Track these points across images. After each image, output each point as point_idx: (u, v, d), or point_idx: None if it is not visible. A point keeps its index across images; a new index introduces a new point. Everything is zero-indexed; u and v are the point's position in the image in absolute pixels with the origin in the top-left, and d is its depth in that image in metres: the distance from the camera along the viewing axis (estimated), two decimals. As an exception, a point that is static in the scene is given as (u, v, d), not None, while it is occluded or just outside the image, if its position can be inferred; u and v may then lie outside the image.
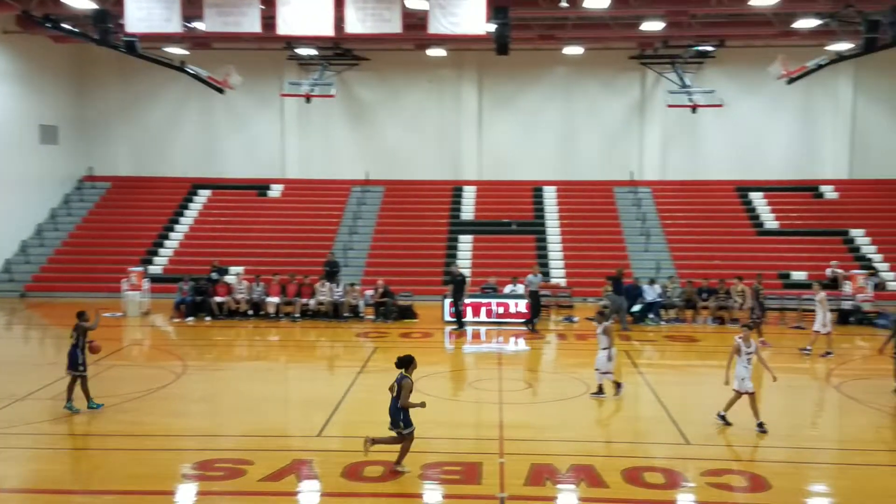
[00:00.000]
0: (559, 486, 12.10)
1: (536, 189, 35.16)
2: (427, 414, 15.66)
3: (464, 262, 31.09)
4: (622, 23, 29.11)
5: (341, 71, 35.07)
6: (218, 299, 26.42)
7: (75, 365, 15.52)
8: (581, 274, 29.99)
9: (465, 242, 32.44)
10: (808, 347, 20.93)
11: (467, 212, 34.36)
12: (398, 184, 35.76)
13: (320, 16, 22.17)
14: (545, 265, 30.75)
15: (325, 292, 26.38)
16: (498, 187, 35.50)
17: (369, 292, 26.63)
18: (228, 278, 27.90)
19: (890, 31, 23.72)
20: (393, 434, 12.64)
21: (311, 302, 26.36)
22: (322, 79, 33.26)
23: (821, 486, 12.50)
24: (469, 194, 35.16)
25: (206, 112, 36.53)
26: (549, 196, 34.81)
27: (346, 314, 26.12)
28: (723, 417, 14.74)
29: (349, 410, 16.02)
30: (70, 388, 15.52)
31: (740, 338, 14.76)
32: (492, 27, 23.50)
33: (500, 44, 24.16)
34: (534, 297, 24.66)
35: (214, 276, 27.43)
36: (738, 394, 14.62)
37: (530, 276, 25.02)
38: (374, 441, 12.64)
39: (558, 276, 30.08)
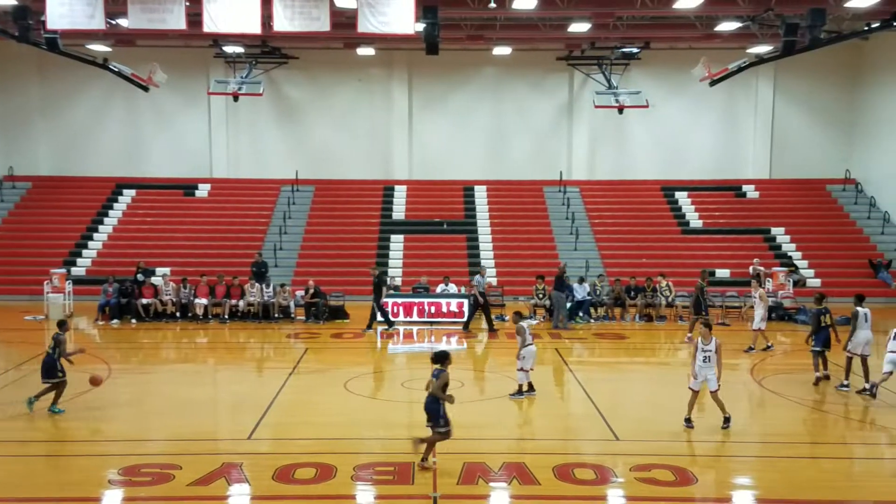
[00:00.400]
0: (491, 484, 12.16)
1: (467, 189, 35.30)
2: (359, 415, 15.67)
3: (395, 262, 31.08)
4: (550, 24, 29.41)
5: (269, 69, 34.70)
6: (144, 301, 25.90)
7: (53, 373, 15.42)
8: (512, 273, 30.23)
9: (397, 242, 32.41)
10: (752, 347, 21.32)
11: (398, 211, 34.32)
12: (328, 183, 35.54)
13: (247, 13, 21.89)
14: (476, 264, 30.88)
15: (255, 293, 26.07)
16: (429, 187, 35.55)
17: (300, 293, 26.40)
18: (155, 280, 27.39)
19: (808, 34, 24.44)
20: (437, 436, 12.60)
21: (241, 303, 26.02)
22: (250, 77, 32.85)
23: (745, 479, 12.80)
24: (400, 194, 35.13)
25: (131, 110, 35.77)
26: (480, 195, 34.99)
27: (276, 315, 25.85)
28: (687, 420, 14.73)
29: (280, 412, 15.84)
30: (45, 391, 15.41)
31: (700, 336, 14.90)
32: (421, 27, 23.52)
33: (430, 44, 24.19)
34: (482, 298, 24.67)
35: (140, 277, 26.88)
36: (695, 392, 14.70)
37: (478, 277, 25.09)
38: (422, 440, 12.72)
39: (489, 275, 30.22)
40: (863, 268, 30.40)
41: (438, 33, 24.25)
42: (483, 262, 31.02)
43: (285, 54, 34.33)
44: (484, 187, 35.35)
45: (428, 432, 12.71)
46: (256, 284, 26.28)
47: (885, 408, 16.05)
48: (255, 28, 22.17)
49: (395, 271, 30.04)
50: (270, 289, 26.32)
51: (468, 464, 12.70)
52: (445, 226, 33.32)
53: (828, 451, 14.00)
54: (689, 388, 14.75)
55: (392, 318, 24.73)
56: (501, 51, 33.95)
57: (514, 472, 12.47)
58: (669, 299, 25.98)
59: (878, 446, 13.96)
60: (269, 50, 33.27)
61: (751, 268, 29.23)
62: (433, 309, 25.50)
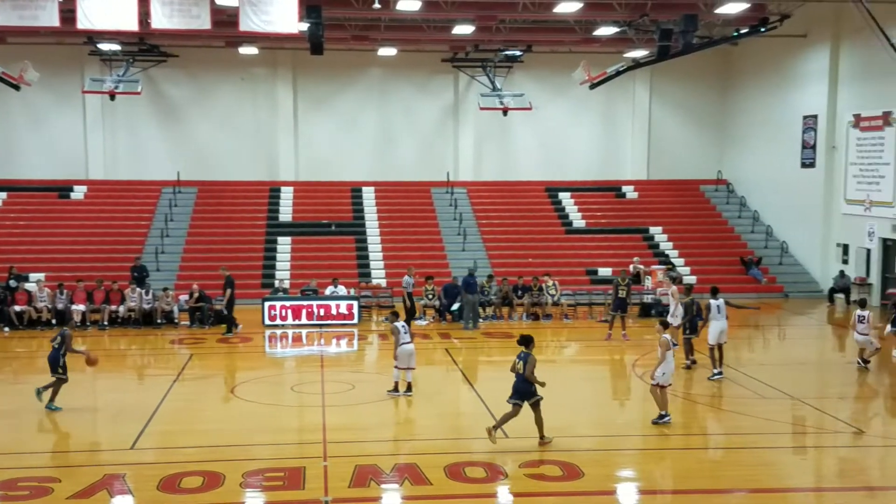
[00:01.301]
0: (383, 485, 12.19)
1: (355, 190, 35.17)
2: (248, 421, 15.43)
3: (282, 265, 30.67)
4: (434, 26, 29.63)
5: (148, 67, 33.69)
6: (17, 308, 24.75)
7: (55, 368, 15.95)
8: (401, 274, 30.15)
9: (284, 244, 31.99)
10: (675, 343, 21.85)
11: (285, 213, 33.89)
12: (212, 184, 34.77)
13: (123, 10, 21.24)
14: (365, 266, 30.83)
15: (136, 298, 25.28)
16: (316, 188, 35.25)
17: (184, 297, 25.75)
18: (28, 286, 26.21)
19: (681, 39, 25.42)
20: (508, 411, 13.61)
21: (121, 309, 25.18)
22: (127, 75, 31.81)
23: (629, 472, 13.23)
24: (287, 195, 34.69)
25: (1, 110, 34.11)
26: (368, 197, 34.91)
27: (159, 321, 25.13)
28: (662, 417, 15.02)
29: (165, 421, 15.43)
30: (54, 391, 15.91)
31: (666, 335, 15.31)
32: (305, 26, 23.31)
33: (314, 43, 24.02)
34: (409, 299, 24.53)
35: (12, 283, 25.70)
36: (663, 387, 15.04)
37: (406, 277, 24.94)
38: (496, 427, 13.45)
39: (378, 276, 30.22)
40: (735, 265, 31.78)
41: (323, 33, 24.11)
42: (372, 264, 31.01)
43: (164, 52, 33.40)
44: (372, 188, 35.29)
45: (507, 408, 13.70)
46: (137, 289, 25.49)
47: (756, 398, 16.84)
48: (131, 25, 21.54)
49: (283, 274, 29.64)
50: (151, 294, 25.57)
51: (360, 466, 12.69)
52: (334, 227, 33.10)
53: (705, 441, 14.59)
54: (664, 384, 14.98)
55: (238, 323, 24.14)
56: (387, 52, 33.98)
57: (405, 472, 12.53)
58: (555, 298, 26.53)
59: (750, 436, 14.64)
60: (147, 48, 32.29)
61: (631, 266, 30.13)
62: (322, 311, 25.29)
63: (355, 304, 25.62)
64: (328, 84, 35.90)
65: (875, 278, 28.15)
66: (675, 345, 15.51)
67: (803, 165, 31.43)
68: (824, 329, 26.20)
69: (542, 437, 13.74)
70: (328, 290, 26.44)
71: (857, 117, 28.62)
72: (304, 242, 32.13)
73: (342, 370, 20.12)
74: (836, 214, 30.02)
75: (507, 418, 13.63)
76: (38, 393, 15.95)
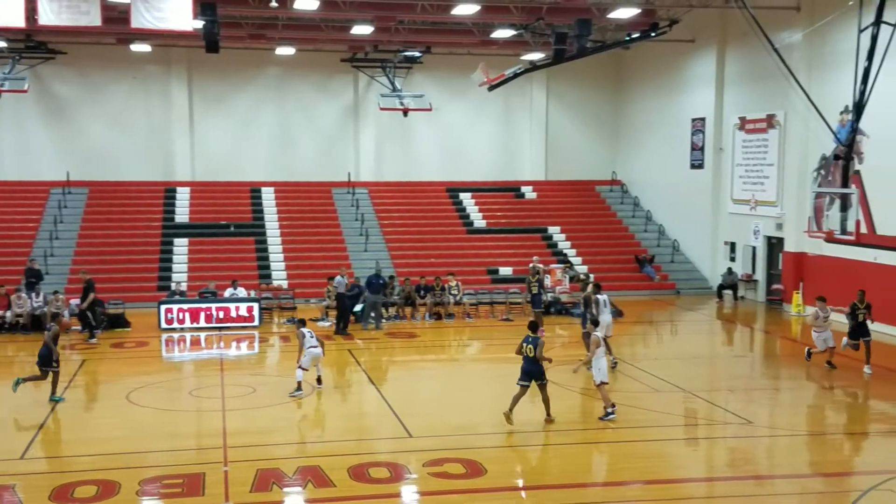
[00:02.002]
0: (286, 489, 12.10)
1: (254, 190, 34.66)
2: (144, 427, 15.06)
3: (179, 267, 29.99)
4: (333, 25, 29.51)
5: (35, 64, 32.45)
6: None
7: (49, 362, 16.56)
8: (303, 275, 29.99)
9: (181, 246, 31.26)
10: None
11: (182, 214, 33.13)
12: (104, 185, 33.71)
13: (9, 5, 20.50)
14: (266, 267, 30.43)
15: (23, 303, 24.31)
16: (214, 188, 34.59)
17: (75, 301, 24.89)
18: None
19: (576, 43, 25.99)
20: (518, 393, 14.79)
21: (8, 314, 24.17)
22: (13, 73, 30.58)
23: (530, 467, 13.49)
24: (183, 196, 33.92)
25: None
26: (268, 197, 34.46)
27: (49, 326, 24.15)
28: (609, 414, 15.30)
29: (56, 429, 14.94)
30: (53, 383, 16.57)
31: (597, 333, 15.90)
32: (199, 24, 22.87)
33: (209, 41, 23.60)
34: (340, 300, 24.19)
35: None
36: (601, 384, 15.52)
37: (338, 278, 24.62)
38: (511, 410, 14.63)
39: (280, 277, 29.87)
40: (629, 263, 32.66)
41: (218, 31, 23.71)
42: (272, 265, 30.62)
43: (53, 49, 32.21)
44: (272, 189, 34.84)
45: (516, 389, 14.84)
46: (23, 294, 24.51)
47: (650, 392, 17.38)
48: (17, 21, 20.78)
49: (180, 276, 28.98)
50: (41, 298, 24.65)
51: (262, 470, 12.57)
52: (232, 228, 32.54)
53: (601, 435, 14.98)
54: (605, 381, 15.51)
55: (96, 328, 23.44)
56: (284, 51, 33.63)
57: (309, 475, 12.47)
58: (458, 298, 26.75)
59: (648, 429, 15.11)
60: (34, 45, 31.10)
61: (531, 265, 30.60)
62: (221, 314, 24.85)
63: (256, 305, 25.27)
64: (225, 83, 35.29)
65: (760, 275, 29.35)
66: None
67: (692, 166, 32.54)
68: (714, 324, 27.20)
69: (548, 415, 14.99)
70: (227, 292, 26.00)
71: (743, 120, 29.78)
72: (202, 244, 31.48)
73: (243, 373, 19.83)
74: (723, 214, 31.16)
75: (516, 400, 14.83)
76: (54, 396, 16.59)
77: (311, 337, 17.43)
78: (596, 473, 12.90)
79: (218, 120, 35.51)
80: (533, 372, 14.86)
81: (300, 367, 17.23)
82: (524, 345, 14.96)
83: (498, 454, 13.66)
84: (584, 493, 12.05)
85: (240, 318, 24.89)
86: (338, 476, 12.37)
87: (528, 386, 14.88)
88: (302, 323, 17.98)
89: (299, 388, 17.14)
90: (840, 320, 19.54)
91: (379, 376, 19.53)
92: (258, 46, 32.86)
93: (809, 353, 19.58)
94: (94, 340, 22.84)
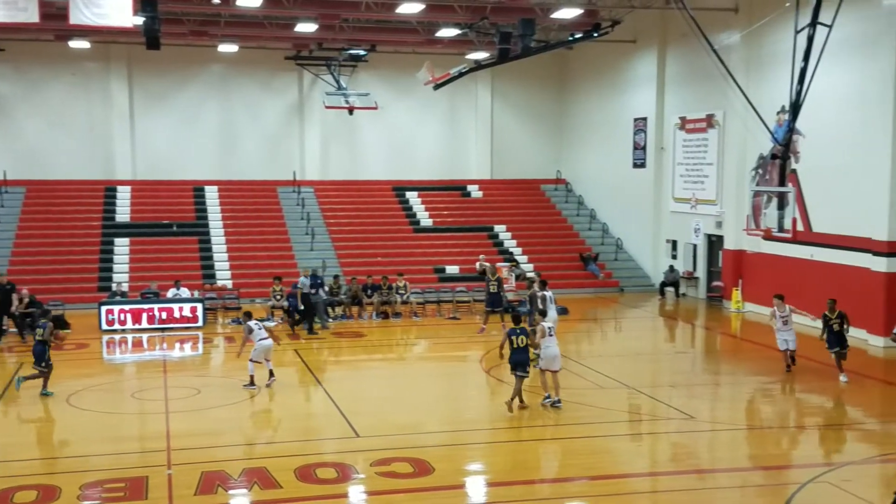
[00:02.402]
0: (231, 491, 12.01)
1: (198, 189, 34.23)
2: (85, 430, 14.82)
3: (121, 267, 29.47)
4: (276, 23, 29.27)
5: (-30, 60, 31.66)
6: None
7: (40, 361, 16.95)
8: (248, 275, 29.70)
9: (122, 246, 30.71)
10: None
11: (123, 213, 32.55)
12: (42, 184, 32.97)
13: (-57, 1, 19.91)
14: (210, 267, 30.06)
15: (-42, 306, 23.66)
16: (156, 187, 34.07)
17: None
18: None
19: (520, 43, 26.17)
20: (519, 380, 15.47)
21: (-57, 318, 23.51)
22: (-54, 68, 29.79)
23: (478, 465, 13.57)
24: (124, 195, 33.33)
25: None
26: (212, 196, 34.05)
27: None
28: (548, 397, 15.96)
29: (-6, 435, 14.61)
30: (34, 376, 17.03)
31: (544, 323, 16.31)
32: (140, 20, 22.52)
33: (150, 38, 23.25)
34: (305, 300, 24.00)
35: None
36: (552, 372, 16.04)
37: (302, 278, 24.47)
38: (512, 399, 15.47)
39: (224, 277, 29.54)
40: (574, 261, 32.98)
41: (159, 27, 23.36)
42: (217, 265, 30.26)
43: (-12, 45, 31.48)
44: (215, 188, 34.44)
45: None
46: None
47: (595, 389, 17.60)
48: (-48, 17, 20.19)
49: (122, 276, 28.48)
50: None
51: (206, 473, 12.46)
52: (175, 228, 32.09)
53: (547, 432, 15.14)
54: (556, 369, 16.10)
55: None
56: (227, 48, 33.26)
57: (254, 477, 12.39)
58: (405, 297, 26.75)
59: (593, 425, 15.30)
60: (-32, 40, 30.34)
61: (477, 264, 30.74)
62: (164, 315, 24.51)
63: (199, 306, 24.97)
64: (166, 80, 34.77)
65: (701, 272, 29.88)
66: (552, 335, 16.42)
67: (635, 165, 32.99)
68: (656, 321, 27.63)
69: (521, 402, 15.73)
70: (170, 293, 25.64)
71: (683, 119, 30.28)
72: (144, 244, 30.99)
73: (186, 375, 19.59)
74: (665, 212, 31.65)
75: (517, 390, 15.58)
76: (19, 382, 17.00)
77: (260, 329, 17.60)
78: (542, 470, 13.03)
79: (159, 118, 34.98)
80: (519, 363, 15.48)
81: (251, 360, 17.37)
82: (513, 337, 15.52)
83: (445, 452, 13.71)
84: (531, 489, 12.17)
85: (183, 319, 24.58)
86: (284, 477, 12.31)
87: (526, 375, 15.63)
88: (248, 316, 18.05)
89: (252, 382, 17.32)
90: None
91: (326, 376, 19.45)
92: (200, 43, 32.45)
93: (789, 363, 18.79)
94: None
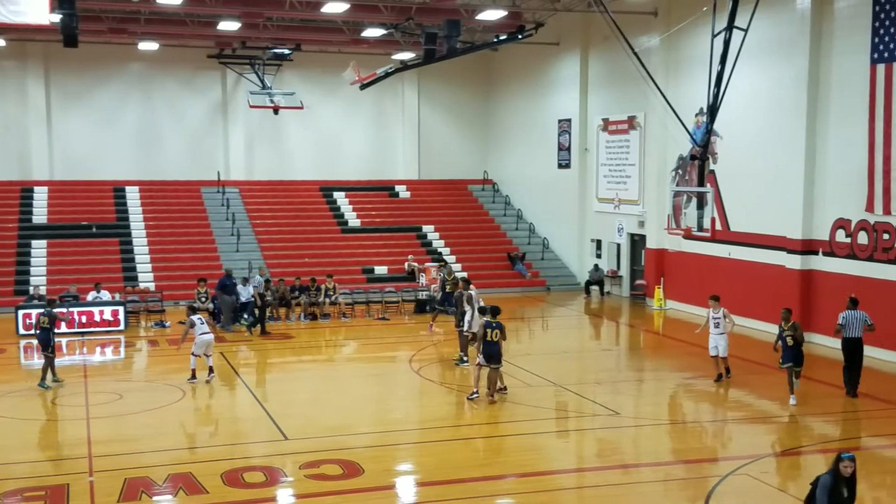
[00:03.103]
0: (156, 497, 11.81)
1: (118, 189, 33.46)
2: (2, 438, 14.37)
3: (38, 270, 28.65)
4: (198, 21, 28.82)
5: None
6: None
7: (46, 347, 17.59)
8: (171, 277, 29.16)
9: (39, 248, 29.84)
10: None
11: (39, 215, 31.64)
12: (-47, 185, 31.90)
13: None
14: (132, 269, 29.42)
15: None
16: (74, 188, 33.20)
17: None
18: None
19: (446, 43, 26.28)
20: (491, 375, 16.17)
21: None
22: None
23: (407, 465, 13.60)
24: (41, 196, 32.39)
25: None
26: (133, 197, 33.32)
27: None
28: (500, 390, 16.62)
29: None
30: (44, 369, 17.63)
31: (485, 318, 16.84)
32: (57, 17, 21.94)
33: (68, 35, 22.67)
34: (261, 299, 23.88)
35: None
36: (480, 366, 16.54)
37: (258, 277, 24.19)
38: (498, 391, 16.27)
39: (146, 280, 28.96)
40: (502, 260, 33.27)
41: (77, 25, 22.79)
42: (139, 266, 29.63)
43: None
44: (136, 188, 33.72)
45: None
46: None
47: (523, 387, 17.79)
48: None
49: (39, 280, 27.69)
50: None
51: (130, 479, 12.23)
52: (95, 229, 31.31)
53: (476, 431, 15.26)
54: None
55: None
56: (148, 46, 32.63)
57: (180, 482, 12.20)
58: (333, 298, 26.61)
59: (521, 423, 15.47)
60: None
61: (406, 264, 30.83)
62: (84, 318, 23.92)
63: (121, 309, 24.45)
64: (85, 78, 33.94)
65: (625, 271, 30.46)
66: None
67: (560, 166, 33.44)
68: (582, 319, 28.06)
69: (503, 388, 16.56)
70: (90, 296, 25.03)
71: (606, 121, 30.81)
72: (62, 246, 30.17)
73: (108, 380, 19.17)
74: (589, 212, 32.15)
75: (492, 382, 16.26)
76: (43, 384, 17.56)
77: (202, 324, 18.01)
78: (471, 469, 13.11)
79: (78, 117, 34.12)
80: (493, 355, 16.09)
81: (192, 353, 17.80)
82: (489, 331, 16.12)
83: (375, 453, 13.70)
84: (461, 488, 12.25)
85: (104, 323, 24.04)
86: (211, 482, 12.15)
87: (500, 366, 16.29)
88: (193, 310, 18.38)
89: (193, 376, 17.80)
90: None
91: (253, 379, 19.24)
92: (120, 41, 31.78)
93: (721, 375, 17.97)
94: None
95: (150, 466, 12.84)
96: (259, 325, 23.87)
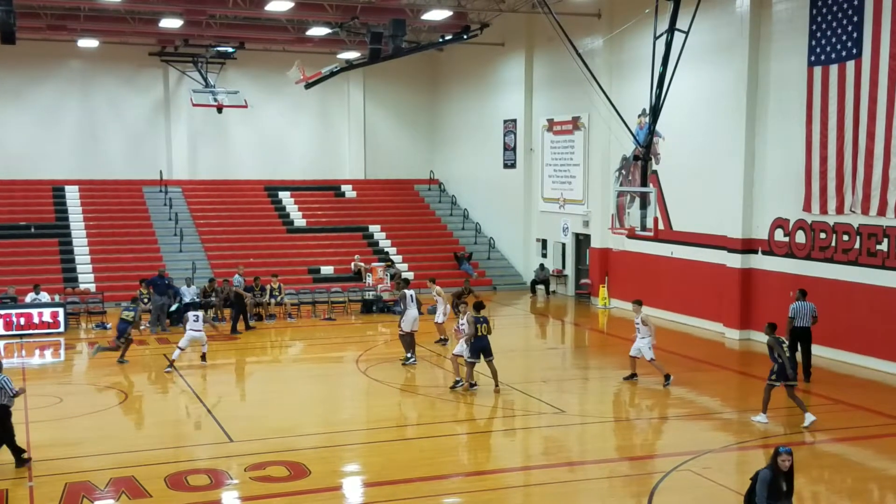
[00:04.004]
0: (97, 502, 11.61)
1: (57, 189, 32.78)
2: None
3: (-27, 272, 27.95)
4: (139, 18, 28.38)
5: None
6: None
7: (122, 333, 19.29)
8: (113, 278, 28.64)
9: (-26, 250, 29.15)
10: (444, 337, 22.14)
11: (-26, 215, 30.90)
12: None
13: None
14: (72, 270, 28.86)
15: None
16: (11, 188, 32.43)
17: None
18: None
19: (391, 43, 26.25)
20: (469, 370, 16.83)
21: None
22: None
23: (355, 466, 13.57)
24: (-24, 196, 31.63)
25: None
26: (72, 196, 32.67)
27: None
28: (457, 382, 17.17)
29: None
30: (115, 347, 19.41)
31: (468, 315, 17.15)
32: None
33: (5, 32, 22.18)
34: (238, 299, 23.80)
35: None
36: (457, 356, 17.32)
37: (236, 276, 24.06)
38: (498, 386, 16.90)
39: (87, 281, 28.42)
40: (449, 260, 33.34)
41: (14, 21, 22.32)
42: (79, 267, 29.07)
43: None
44: (76, 187, 33.06)
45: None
46: None
47: (468, 386, 17.85)
48: None
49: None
50: None
51: (70, 484, 12.02)
52: (33, 229, 30.63)
53: (422, 430, 15.29)
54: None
55: None
56: (87, 43, 32.03)
57: (122, 486, 12.01)
58: (279, 298, 26.40)
59: (467, 422, 15.54)
60: None
61: (352, 264, 30.73)
62: (23, 320, 23.39)
63: (61, 311, 23.97)
64: (22, 75, 33.20)
65: (570, 270, 30.75)
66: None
67: (505, 166, 33.63)
68: (528, 318, 28.27)
69: (496, 385, 16.99)
70: (29, 298, 24.47)
71: (551, 122, 31.06)
72: (0, 246, 29.47)
73: (48, 383, 18.78)
74: (535, 212, 32.40)
75: (495, 374, 16.99)
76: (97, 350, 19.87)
77: (196, 321, 19.30)
78: (418, 468, 13.13)
79: (15, 115, 33.36)
80: (485, 349, 16.75)
81: (178, 346, 19.37)
82: (479, 325, 16.64)
83: (321, 454, 13.64)
84: (408, 488, 12.26)
85: (43, 325, 23.55)
86: (154, 486, 11.99)
87: (476, 362, 16.84)
88: (191, 307, 20.23)
89: (171, 365, 19.12)
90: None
91: (197, 380, 19.00)
92: (59, 38, 31.14)
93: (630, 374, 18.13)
94: None
95: (92, 470, 12.63)
96: (244, 322, 24.29)
